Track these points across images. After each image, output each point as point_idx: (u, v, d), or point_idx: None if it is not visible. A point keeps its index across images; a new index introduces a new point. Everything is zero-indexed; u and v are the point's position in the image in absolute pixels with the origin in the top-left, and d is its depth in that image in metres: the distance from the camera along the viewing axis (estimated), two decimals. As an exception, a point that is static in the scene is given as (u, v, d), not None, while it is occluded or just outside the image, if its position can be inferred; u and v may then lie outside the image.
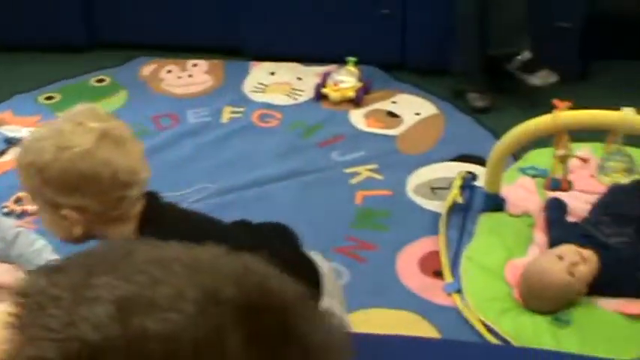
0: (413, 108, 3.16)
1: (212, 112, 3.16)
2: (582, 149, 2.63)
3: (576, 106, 2.70)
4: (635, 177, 2.18)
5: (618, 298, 2.20)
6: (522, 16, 3.06)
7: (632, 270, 2.20)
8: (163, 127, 3.09)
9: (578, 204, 2.51)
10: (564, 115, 2.18)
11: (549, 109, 3.14)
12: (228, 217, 2.41)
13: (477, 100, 3.15)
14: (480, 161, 2.72)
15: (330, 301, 1.58)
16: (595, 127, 2.18)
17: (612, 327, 2.13)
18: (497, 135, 2.66)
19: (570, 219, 2.43)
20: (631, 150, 2.59)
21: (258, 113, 3.16)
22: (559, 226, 2.35)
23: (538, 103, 3.18)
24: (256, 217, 2.59)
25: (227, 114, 3.16)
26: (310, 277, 1.59)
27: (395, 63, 3.42)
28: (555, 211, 2.39)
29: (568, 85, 3.31)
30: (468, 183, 2.60)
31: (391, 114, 3.15)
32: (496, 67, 3.17)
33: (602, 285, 2.20)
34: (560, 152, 2.21)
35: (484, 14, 3.06)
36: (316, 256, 1.71)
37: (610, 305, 2.19)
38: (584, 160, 2.28)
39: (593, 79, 3.38)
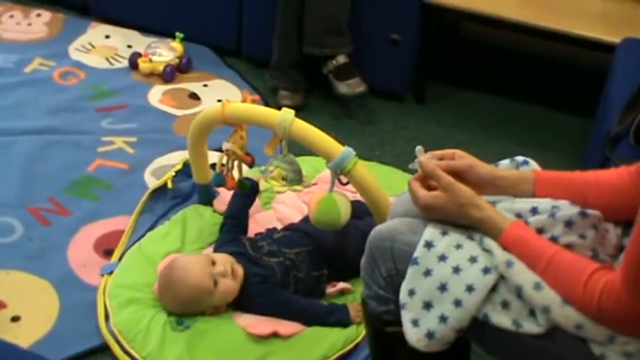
0: (219, 94, 3.02)
1: (19, 61, 3.08)
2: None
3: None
4: (295, 186, 2.00)
5: (252, 315, 2.02)
6: (341, 18, 2.88)
7: (269, 290, 2.02)
8: (-34, 66, 3.06)
9: (296, 214, 2.34)
10: (230, 105, 2.00)
11: (362, 119, 3.01)
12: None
13: (285, 98, 2.98)
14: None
15: None
16: (253, 122, 1.99)
17: (228, 342, 1.95)
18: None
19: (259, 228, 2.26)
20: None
21: (63, 70, 3.07)
22: (227, 232, 2.17)
23: (353, 112, 3.03)
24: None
25: (34, 65, 3.08)
26: None
27: (231, 49, 3.29)
28: (234, 209, 2.22)
29: (400, 102, 3.15)
30: (189, 170, 2.44)
31: (194, 96, 3.02)
32: (315, 69, 3.00)
33: (240, 298, 2.03)
34: (225, 145, 2.04)
35: (303, 10, 2.90)
36: None
37: (240, 320, 2.01)
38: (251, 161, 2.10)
39: (430, 103, 3.17)
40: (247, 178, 2.18)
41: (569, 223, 1.37)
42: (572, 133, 3.03)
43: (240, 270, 2.02)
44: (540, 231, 1.37)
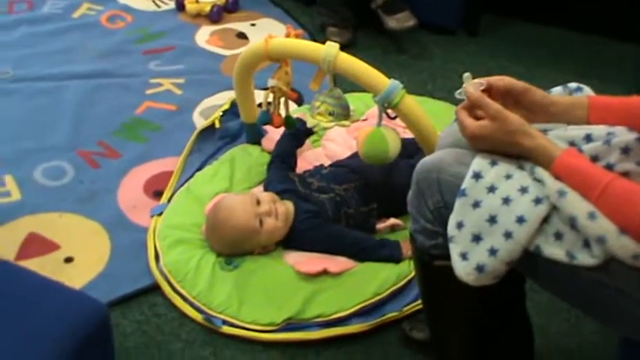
0: (267, 33, 2.93)
1: (67, 6, 3.10)
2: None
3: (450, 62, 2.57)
4: (343, 122, 1.95)
5: (302, 253, 2.00)
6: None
7: (320, 225, 1.99)
8: (15, 12, 3.06)
9: (345, 150, 2.30)
10: (274, 40, 1.96)
11: (413, 54, 2.93)
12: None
13: (334, 35, 2.92)
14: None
15: None
16: (297, 56, 1.94)
17: (277, 280, 1.93)
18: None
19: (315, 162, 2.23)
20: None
21: (110, 14, 3.06)
22: (275, 170, 2.15)
23: (403, 47, 2.96)
24: (30, 108, 2.55)
25: (82, 10, 3.09)
26: None
27: (278, -14, 3.23)
28: (282, 148, 2.19)
29: (451, 36, 3.06)
30: (237, 109, 2.41)
31: (242, 35, 2.98)
32: (364, 4, 2.92)
33: (291, 236, 2.01)
34: (271, 82, 2.00)
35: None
36: None
37: (289, 259, 1.99)
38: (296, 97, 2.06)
39: (483, 36, 3.07)
40: (299, 119, 2.15)
41: (625, 150, 1.29)
42: (634, 62, 2.90)
43: (282, 209, 1.99)
44: (595, 159, 1.30)
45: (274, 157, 2.18)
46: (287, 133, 2.18)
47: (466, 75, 1.41)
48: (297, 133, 2.19)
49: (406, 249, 1.99)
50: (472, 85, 1.40)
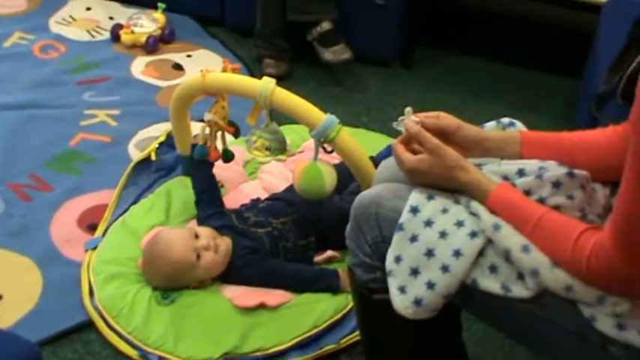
0: (203, 64, 2.95)
1: (-3, 36, 3.04)
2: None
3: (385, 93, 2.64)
4: (280, 156, 1.96)
5: (238, 287, 1.99)
6: (325, -16, 2.83)
7: (257, 260, 1.99)
8: (-57, 42, 3.00)
9: (282, 183, 2.30)
10: (210, 75, 1.96)
11: (348, 86, 2.96)
12: None
13: (270, 66, 2.93)
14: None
15: None
16: (233, 91, 1.95)
17: (214, 314, 1.92)
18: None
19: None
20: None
21: (43, 44, 3.01)
22: (207, 207, 2.13)
23: (339, 80, 2.99)
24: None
25: (14, 39, 3.03)
26: None
27: (215, 18, 3.23)
28: (203, 183, 2.17)
29: (386, 68, 3.11)
30: (173, 142, 2.39)
31: (178, 66, 2.97)
32: (301, 36, 2.95)
33: (229, 271, 2.00)
34: (207, 116, 2.00)
35: (286, -24, 2.84)
36: None
37: (227, 293, 1.98)
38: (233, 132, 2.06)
39: (417, 69, 3.12)
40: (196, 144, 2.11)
41: (556, 184, 1.33)
42: (563, 96, 2.99)
43: (223, 245, 1.98)
44: (527, 193, 1.33)
45: (200, 194, 2.14)
46: (195, 165, 2.15)
47: (408, 109, 1.43)
48: (203, 161, 2.15)
49: (344, 278, 2.00)
50: (411, 120, 1.42)
